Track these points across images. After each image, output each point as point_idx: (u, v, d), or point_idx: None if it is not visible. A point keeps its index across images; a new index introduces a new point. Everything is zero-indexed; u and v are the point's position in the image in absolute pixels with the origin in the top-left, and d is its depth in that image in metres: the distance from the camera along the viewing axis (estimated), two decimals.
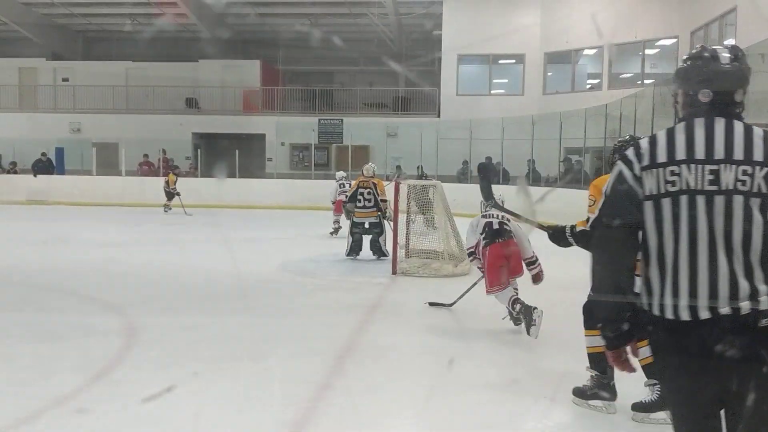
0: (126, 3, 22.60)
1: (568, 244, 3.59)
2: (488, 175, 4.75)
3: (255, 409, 3.68)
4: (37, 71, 24.50)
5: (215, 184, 18.83)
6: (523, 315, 4.98)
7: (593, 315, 3.50)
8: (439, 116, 21.62)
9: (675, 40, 17.22)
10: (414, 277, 7.97)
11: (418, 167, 19.08)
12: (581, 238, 3.47)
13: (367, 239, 9.29)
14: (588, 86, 20.34)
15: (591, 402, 3.67)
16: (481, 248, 5.34)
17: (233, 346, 4.91)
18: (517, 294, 5.19)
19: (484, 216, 5.40)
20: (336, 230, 11.78)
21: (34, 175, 19.87)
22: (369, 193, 9.25)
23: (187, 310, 6.17)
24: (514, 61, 21.40)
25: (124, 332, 5.30)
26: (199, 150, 21.57)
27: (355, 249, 9.22)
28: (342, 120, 22.10)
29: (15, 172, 20.96)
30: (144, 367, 4.39)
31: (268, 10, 23.06)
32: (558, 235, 3.60)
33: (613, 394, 3.63)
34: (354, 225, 9.34)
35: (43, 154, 20.87)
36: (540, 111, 18.92)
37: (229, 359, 4.57)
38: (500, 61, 21.83)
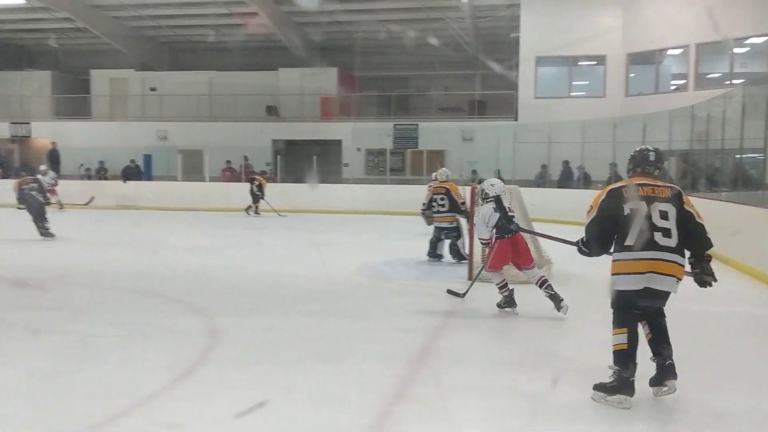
0: (210, 14, 23.40)
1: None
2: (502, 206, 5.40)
3: (330, 410, 3.74)
4: (127, 81, 25.63)
5: (299, 190, 19.22)
6: (553, 298, 5.92)
7: (620, 313, 3.90)
8: (516, 120, 21.35)
9: (766, 38, 16.44)
10: (490, 284, 7.89)
11: (494, 171, 18.92)
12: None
13: (445, 244, 9.45)
14: (673, 87, 19.66)
15: (609, 398, 3.80)
16: (492, 241, 6.17)
17: (310, 347, 5.01)
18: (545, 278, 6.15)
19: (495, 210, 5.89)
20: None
21: (124, 181, 20.77)
22: (443, 199, 9.33)
23: (267, 311, 6.33)
24: (594, 62, 20.91)
25: (208, 333, 5.49)
26: (278, 156, 22.06)
27: (436, 251, 9.44)
28: (417, 125, 22.14)
29: (106, 179, 21.97)
30: (226, 366, 4.53)
31: (346, 17, 23.38)
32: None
33: (631, 391, 3.76)
34: (435, 230, 9.51)
35: (132, 161, 21.80)
36: (622, 113, 18.41)
37: (305, 360, 4.66)
38: (580, 63, 21.38)
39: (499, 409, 3.86)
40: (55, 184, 16.36)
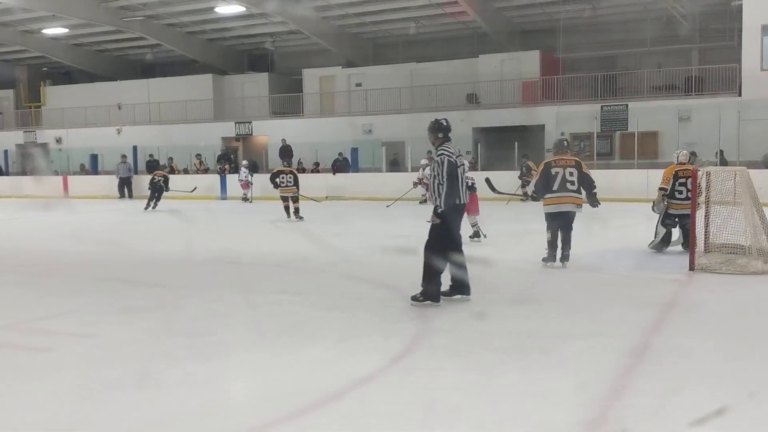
0: (411, 7, 23.89)
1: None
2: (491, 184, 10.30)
3: (546, 403, 3.61)
4: (335, 79, 27.02)
5: (500, 178, 18.96)
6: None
7: (548, 223, 7.73)
8: (740, 95, 19.39)
9: None
10: (715, 274, 7.23)
11: (716, 153, 17.33)
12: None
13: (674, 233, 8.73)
14: None
15: (546, 264, 7.77)
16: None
17: (520, 338, 4.89)
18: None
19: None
20: None
21: (333, 174, 21.93)
22: (681, 184, 8.52)
23: (476, 300, 6.28)
24: None
25: (417, 319, 5.57)
26: (479, 144, 21.98)
27: (665, 241, 8.66)
28: (627, 105, 20.92)
29: (317, 171, 23.34)
30: (436, 355, 4.56)
31: None
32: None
33: (553, 258, 7.70)
34: (667, 217, 8.70)
35: (340, 154, 22.94)
36: None
37: (518, 351, 4.56)
38: None
39: (729, 407, 3.48)
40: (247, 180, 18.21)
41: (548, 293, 6.62)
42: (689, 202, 8.25)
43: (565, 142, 7.97)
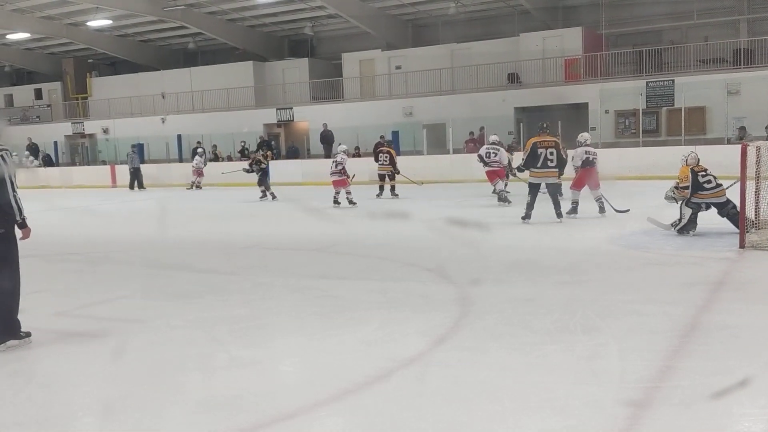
0: None
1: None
2: None
3: (591, 383, 3.59)
4: (374, 62, 26.93)
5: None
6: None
7: (530, 193, 9.78)
8: None
9: None
10: (766, 251, 7.05)
11: (766, 127, 16.80)
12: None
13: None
14: None
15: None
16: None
17: (566, 318, 4.85)
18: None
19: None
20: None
21: (376, 160, 21.88)
22: (705, 177, 8.32)
23: (519, 281, 6.27)
24: None
25: (460, 301, 5.58)
26: (521, 124, 21.72)
27: (692, 222, 8.44)
28: (673, 81, 20.40)
29: (359, 156, 23.35)
30: (481, 335, 4.56)
31: None
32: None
33: (528, 217, 9.71)
34: (691, 200, 8.39)
35: (382, 137, 22.88)
36: None
37: (562, 331, 4.53)
38: None
39: None
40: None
41: (593, 273, 6.54)
42: (720, 188, 8.23)
43: (545, 125, 10.04)
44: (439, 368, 3.94)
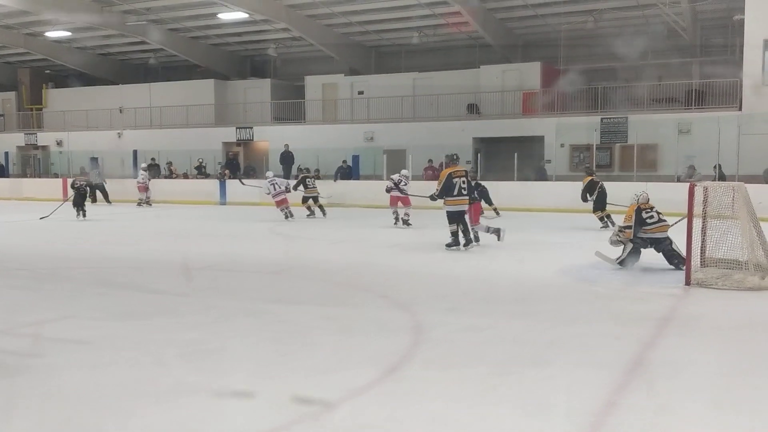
0: (414, 17, 23.97)
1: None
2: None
3: (538, 416, 3.63)
4: (337, 86, 27.06)
5: (499, 188, 19.09)
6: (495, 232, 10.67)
7: (450, 220, 10.27)
8: (740, 109, 19.43)
9: None
10: (712, 289, 7.25)
11: (714, 167, 17.36)
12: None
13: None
14: None
15: (448, 248, 10.31)
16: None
17: (515, 350, 4.90)
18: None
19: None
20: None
21: (335, 180, 21.93)
22: (648, 213, 8.60)
23: (470, 311, 6.32)
24: None
25: (412, 330, 5.59)
26: (479, 154, 22.02)
27: (634, 255, 8.61)
28: (627, 118, 20.97)
29: (318, 178, 23.31)
30: (432, 365, 4.58)
31: (550, 10, 22.77)
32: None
33: (457, 244, 10.26)
34: (636, 236, 8.57)
35: (344, 161, 22.96)
36: None
37: (512, 364, 4.57)
38: None
39: (722, 425, 3.50)
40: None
41: (544, 304, 6.64)
42: (662, 224, 8.52)
43: (455, 156, 10.77)
44: (389, 398, 3.93)
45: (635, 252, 8.62)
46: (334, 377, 4.30)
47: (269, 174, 17.07)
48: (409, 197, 13.85)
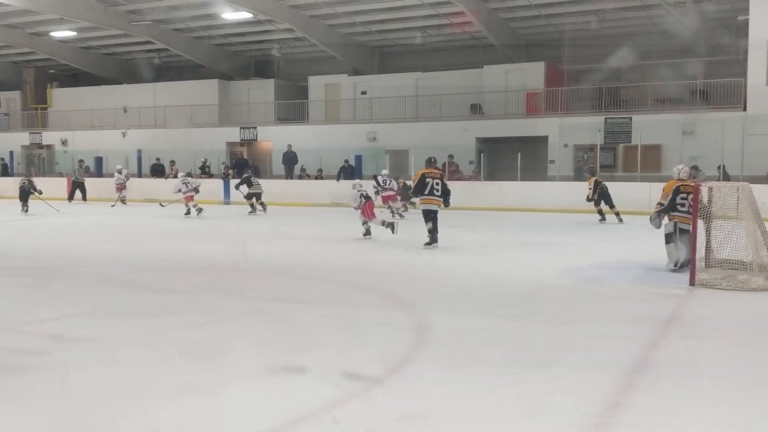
0: (417, 17, 23.96)
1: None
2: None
3: (540, 417, 3.62)
4: (340, 86, 27.08)
5: (503, 188, 19.14)
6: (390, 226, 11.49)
7: (426, 218, 10.72)
8: (744, 110, 19.40)
9: None
10: (716, 290, 7.24)
11: (718, 167, 17.33)
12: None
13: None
14: None
15: (427, 247, 10.57)
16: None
17: (517, 351, 4.90)
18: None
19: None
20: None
21: (337, 180, 21.94)
22: (684, 198, 8.32)
23: (472, 311, 6.31)
24: None
25: (415, 330, 5.59)
26: (482, 154, 22.01)
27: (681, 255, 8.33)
28: (631, 118, 20.94)
29: (321, 178, 23.37)
30: (434, 366, 4.58)
31: (554, 10, 22.73)
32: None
33: (434, 242, 10.57)
34: (669, 236, 8.48)
35: (346, 161, 22.97)
36: None
37: (513, 365, 4.57)
38: None
39: (728, 426, 3.49)
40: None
41: (546, 305, 6.63)
42: (690, 216, 8.22)
43: (432, 159, 11.35)
44: (391, 399, 3.93)
45: (676, 247, 8.33)
46: (338, 377, 4.30)
47: (180, 174, 18.82)
48: (396, 194, 16.00)
